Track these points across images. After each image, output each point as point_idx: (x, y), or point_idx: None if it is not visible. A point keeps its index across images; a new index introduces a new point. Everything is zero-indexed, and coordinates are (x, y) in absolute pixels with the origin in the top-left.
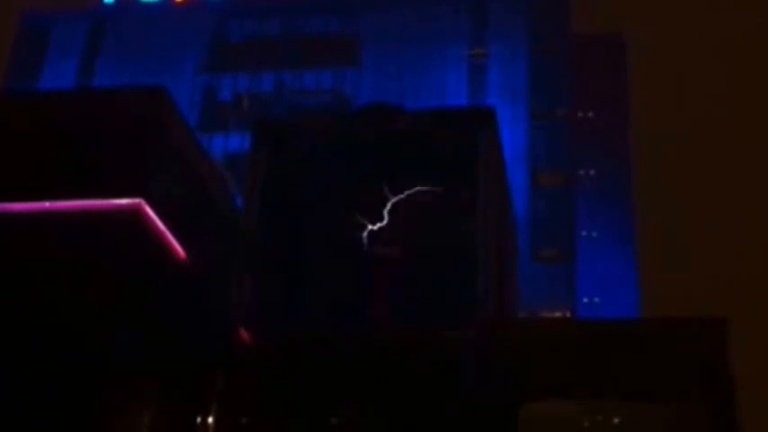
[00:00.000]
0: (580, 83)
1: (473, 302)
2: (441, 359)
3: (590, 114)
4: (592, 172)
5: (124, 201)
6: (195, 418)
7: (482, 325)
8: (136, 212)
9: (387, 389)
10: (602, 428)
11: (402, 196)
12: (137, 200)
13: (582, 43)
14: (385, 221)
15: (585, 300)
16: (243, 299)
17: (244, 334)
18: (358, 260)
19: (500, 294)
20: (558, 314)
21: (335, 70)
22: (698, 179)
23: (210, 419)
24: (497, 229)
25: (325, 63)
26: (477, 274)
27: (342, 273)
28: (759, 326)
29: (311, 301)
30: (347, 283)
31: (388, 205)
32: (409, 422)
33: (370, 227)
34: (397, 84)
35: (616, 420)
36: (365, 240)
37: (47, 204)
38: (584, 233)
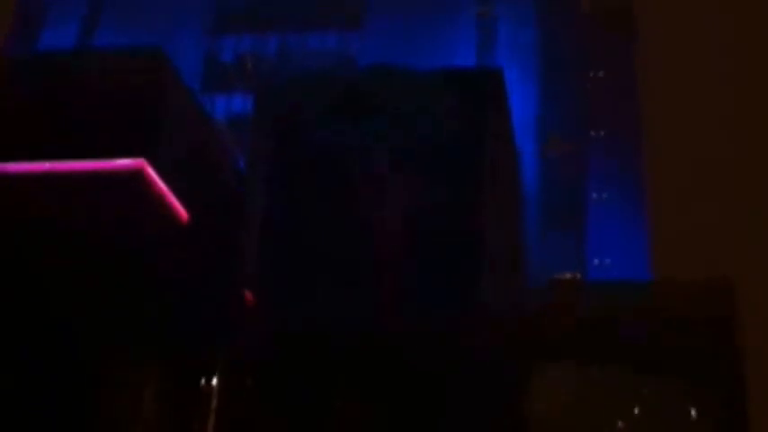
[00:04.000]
0: (591, 41)
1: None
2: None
3: (600, 74)
4: (602, 133)
5: (126, 161)
6: (199, 381)
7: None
8: (138, 173)
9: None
10: (609, 397)
11: (405, 170)
12: (139, 160)
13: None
14: (389, 193)
15: (596, 261)
16: (246, 262)
17: (248, 296)
18: (362, 239)
19: (505, 272)
20: (568, 276)
21: (340, 31)
22: (711, 140)
23: (214, 382)
24: (505, 199)
25: (330, 24)
26: (481, 254)
27: (346, 254)
28: None
29: (315, 278)
30: (352, 265)
31: (392, 174)
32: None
33: (374, 200)
34: (403, 44)
35: (624, 389)
36: (370, 214)
37: (47, 165)
38: (594, 195)
